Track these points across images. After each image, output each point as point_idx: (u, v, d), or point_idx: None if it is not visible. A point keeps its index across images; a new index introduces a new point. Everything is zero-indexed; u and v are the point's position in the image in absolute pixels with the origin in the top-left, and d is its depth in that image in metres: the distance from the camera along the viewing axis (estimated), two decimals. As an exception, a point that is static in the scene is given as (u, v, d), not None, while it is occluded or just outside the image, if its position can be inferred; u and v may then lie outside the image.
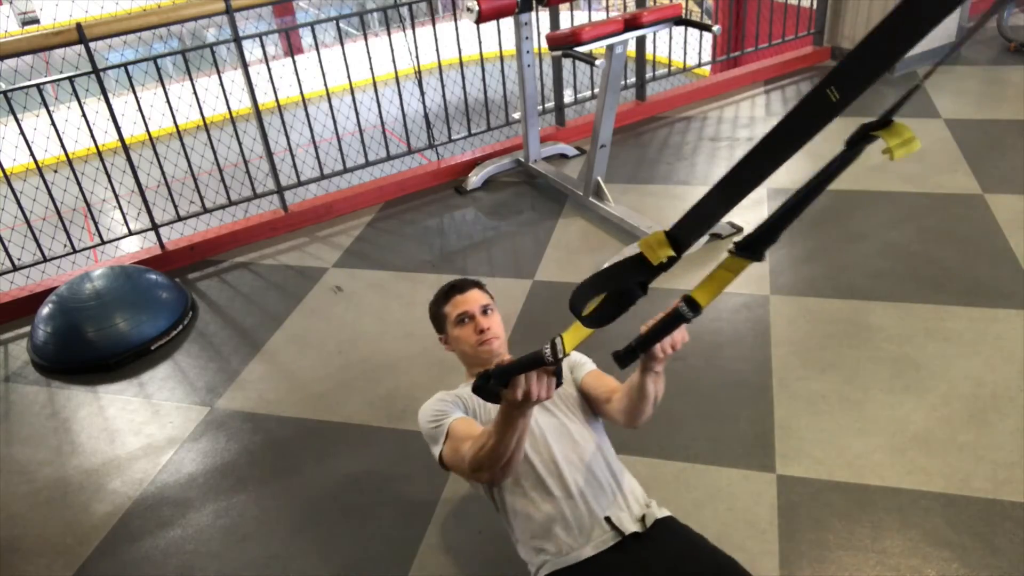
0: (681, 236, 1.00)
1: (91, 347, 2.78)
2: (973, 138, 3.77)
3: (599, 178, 3.38)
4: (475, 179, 3.86)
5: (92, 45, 2.96)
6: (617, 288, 1.08)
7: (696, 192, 3.68)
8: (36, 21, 13.78)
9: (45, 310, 2.90)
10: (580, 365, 1.73)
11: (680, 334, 1.31)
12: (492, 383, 1.19)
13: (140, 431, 2.48)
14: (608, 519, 1.47)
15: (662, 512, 1.52)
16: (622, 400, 1.55)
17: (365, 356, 2.72)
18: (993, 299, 2.62)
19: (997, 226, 3.03)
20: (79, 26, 2.88)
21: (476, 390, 1.21)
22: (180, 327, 2.95)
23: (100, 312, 2.84)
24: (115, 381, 2.73)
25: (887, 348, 2.45)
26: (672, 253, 1.01)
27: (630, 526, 1.46)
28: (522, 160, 3.90)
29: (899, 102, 0.84)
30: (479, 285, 1.78)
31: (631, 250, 1.01)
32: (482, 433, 1.41)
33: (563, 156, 4.13)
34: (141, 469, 2.32)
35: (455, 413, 1.60)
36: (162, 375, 2.74)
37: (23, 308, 3.13)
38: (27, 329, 2.99)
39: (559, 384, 1.20)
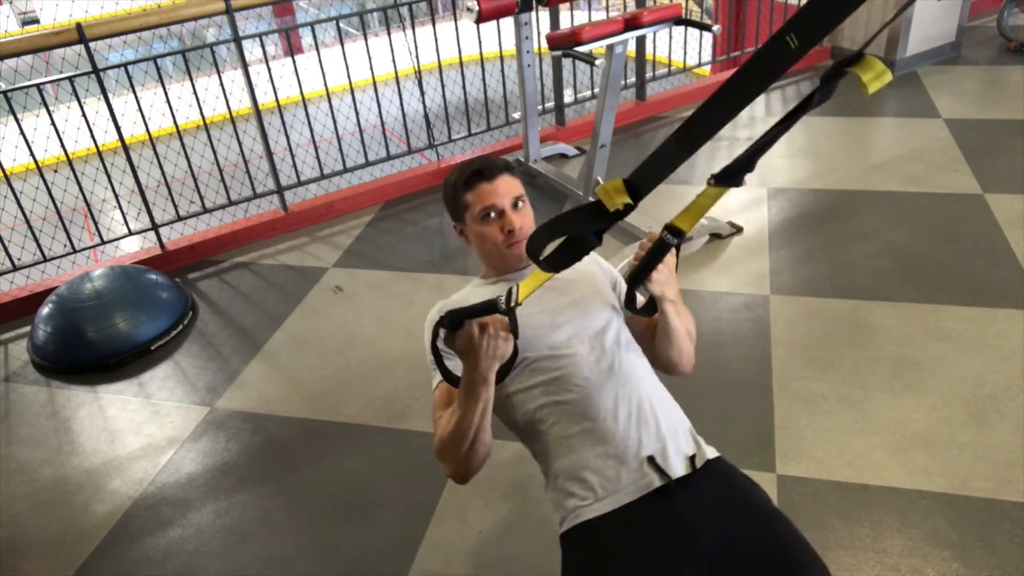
0: (639, 182, 1.00)
1: (91, 347, 2.78)
2: (973, 138, 3.77)
3: (599, 178, 3.38)
4: (475, 179, 3.85)
5: (92, 45, 2.96)
6: (573, 233, 1.08)
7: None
8: (36, 21, 13.78)
9: (45, 310, 2.90)
10: (623, 286, 1.50)
11: (671, 258, 1.28)
12: (444, 328, 1.16)
13: (140, 431, 2.48)
14: (651, 458, 1.28)
15: (712, 452, 1.35)
16: (662, 344, 1.44)
17: (365, 356, 2.72)
18: (993, 299, 2.62)
19: (997, 226, 3.02)
20: (79, 26, 2.88)
21: (433, 351, 1.19)
22: (180, 327, 2.95)
23: (100, 312, 2.84)
24: (115, 381, 2.73)
25: (887, 348, 2.45)
26: (629, 200, 1.01)
27: (678, 468, 1.28)
28: (522, 160, 3.90)
29: (873, 36, 0.89)
30: (510, 169, 1.49)
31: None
32: (448, 411, 1.31)
33: (563, 156, 4.13)
34: (141, 469, 2.32)
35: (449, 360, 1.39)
36: (162, 375, 2.74)
37: (23, 308, 3.13)
38: (27, 329, 2.99)
39: (515, 334, 1.16)
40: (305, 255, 3.45)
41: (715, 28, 3.20)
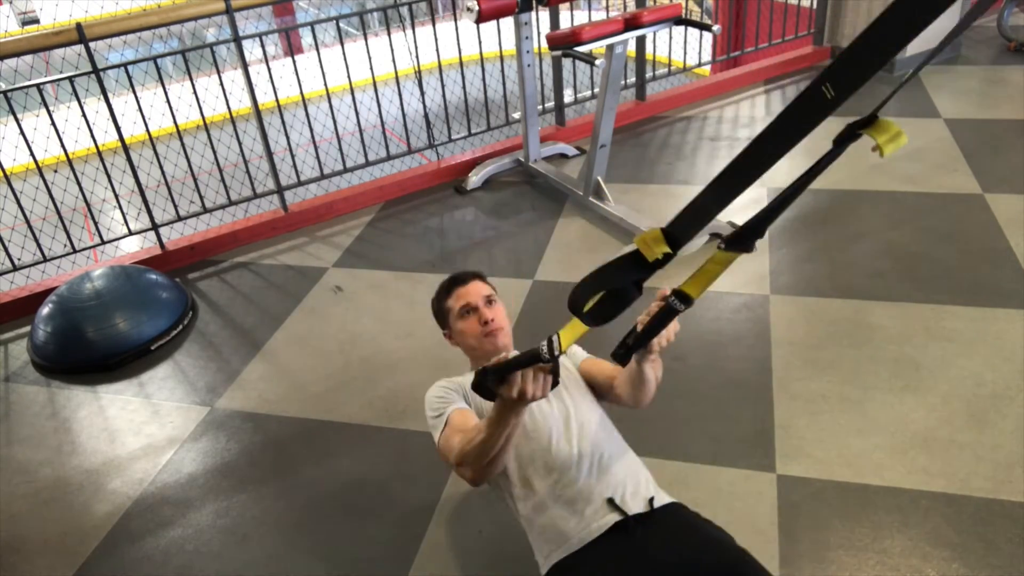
0: (677, 233, 1.01)
1: (91, 347, 2.78)
2: (973, 138, 3.77)
3: (599, 178, 3.38)
4: (475, 179, 3.86)
5: (92, 45, 2.96)
6: (614, 286, 1.08)
7: (696, 191, 3.67)
8: (36, 21, 13.78)
9: (45, 310, 2.90)
10: (574, 350, 1.76)
11: (674, 326, 1.32)
12: (489, 380, 1.19)
13: (140, 431, 2.48)
14: (611, 500, 1.44)
15: (668, 498, 1.49)
16: (624, 387, 1.57)
17: (365, 356, 2.72)
18: (993, 299, 2.62)
19: (997, 226, 3.02)
20: (79, 26, 2.88)
21: (475, 387, 1.22)
22: (180, 327, 2.95)
23: (100, 312, 2.84)
24: (115, 381, 2.73)
25: (887, 348, 2.45)
26: (668, 250, 1.01)
27: (634, 507, 1.43)
28: (522, 160, 3.90)
29: (886, 99, 0.87)
30: (480, 276, 1.77)
31: (628, 248, 1.02)
32: (474, 427, 1.41)
33: (563, 156, 4.13)
34: (141, 469, 2.32)
35: (457, 403, 1.59)
36: (162, 375, 2.74)
37: (23, 308, 3.13)
38: (27, 329, 2.99)
39: (555, 383, 1.19)
40: (305, 255, 3.45)
41: (715, 28, 3.20)
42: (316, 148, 3.80)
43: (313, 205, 3.73)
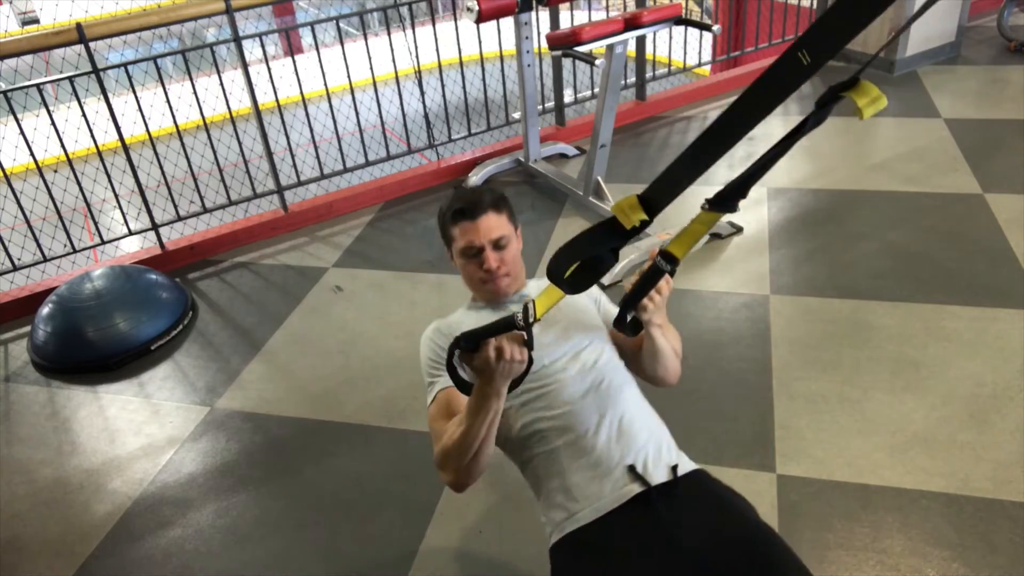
0: (653, 200, 1.02)
1: (91, 347, 2.78)
2: (973, 138, 3.77)
3: (599, 178, 3.38)
4: (475, 179, 3.86)
5: (92, 45, 2.96)
6: (592, 254, 1.09)
7: (696, 191, 3.67)
8: (36, 21, 13.77)
9: (45, 310, 2.90)
10: (609, 308, 1.59)
11: (665, 287, 1.30)
12: (460, 350, 1.16)
13: (140, 431, 2.48)
14: (632, 467, 1.31)
15: (692, 464, 1.39)
16: (645, 358, 1.49)
17: (365, 356, 2.72)
18: (993, 299, 2.62)
19: (997, 226, 3.02)
20: (79, 26, 2.88)
21: (448, 368, 1.19)
22: (180, 327, 2.95)
23: (100, 312, 2.84)
24: (115, 381, 2.73)
25: (887, 348, 2.45)
26: (644, 217, 1.03)
27: (658, 476, 1.31)
28: (522, 160, 3.90)
29: (867, 62, 0.88)
30: (495, 207, 1.50)
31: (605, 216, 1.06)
32: (455, 420, 1.32)
33: (563, 156, 4.13)
34: (141, 469, 2.32)
35: (440, 374, 1.45)
36: (162, 375, 2.74)
37: (23, 308, 3.13)
38: (27, 329, 2.99)
39: (530, 349, 1.17)
40: (305, 255, 3.45)
41: (715, 28, 3.20)
42: (316, 148, 3.80)
43: (313, 205, 3.73)
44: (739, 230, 3.15)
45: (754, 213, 3.28)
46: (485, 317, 1.27)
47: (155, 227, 3.44)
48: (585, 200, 3.45)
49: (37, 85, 3.03)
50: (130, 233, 3.54)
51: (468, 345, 1.15)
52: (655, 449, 1.36)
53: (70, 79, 3.05)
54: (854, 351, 2.45)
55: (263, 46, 3.65)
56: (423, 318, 2.91)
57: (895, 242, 3.01)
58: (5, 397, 2.71)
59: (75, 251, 3.32)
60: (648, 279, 1.23)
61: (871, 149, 3.85)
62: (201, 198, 3.56)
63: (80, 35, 2.87)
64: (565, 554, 1.32)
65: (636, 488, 1.29)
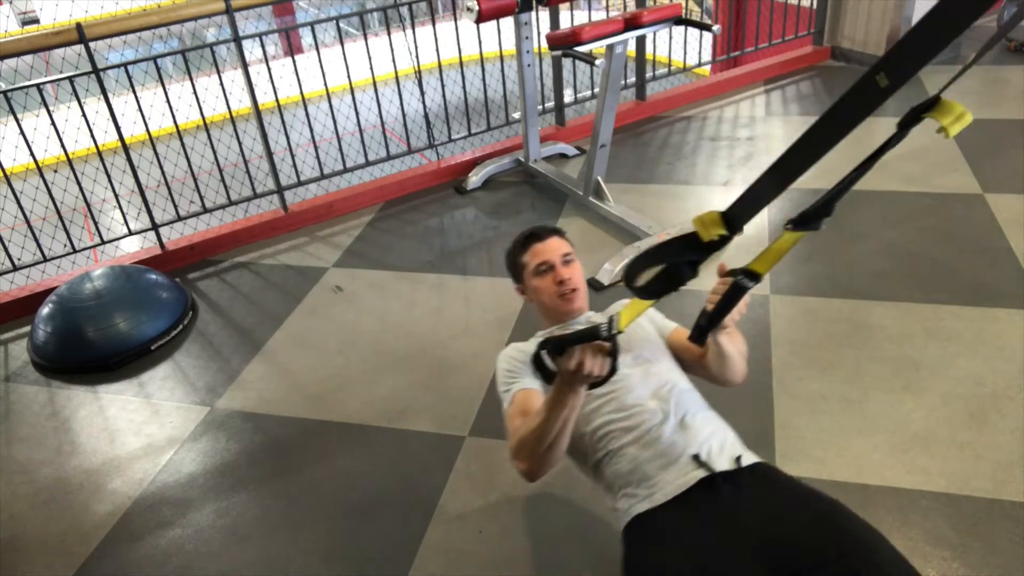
0: (734, 216, 1.05)
1: (91, 347, 2.78)
2: (973, 138, 3.76)
3: (599, 178, 3.38)
4: (475, 179, 3.86)
5: (92, 45, 2.95)
6: (669, 263, 1.13)
7: (696, 191, 3.69)
8: (36, 21, 13.77)
9: (45, 310, 2.90)
10: (664, 323, 1.73)
11: (743, 301, 1.33)
12: (547, 351, 1.20)
13: (140, 431, 2.48)
14: (696, 456, 1.40)
15: (756, 458, 1.45)
16: (713, 360, 1.55)
17: (365, 356, 2.72)
18: (993, 299, 2.62)
19: (997, 226, 3.02)
20: (79, 26, 2.88)
21: (534, 360, 1.23)
22: (180, 327, 2.95)
23: (100, 312, 2.84)
24: (115, 381, 2.73)
25: (887, 348, 2.45)
26: (724, 232, 1.06)
27: (720, 464, 1.39)
28: (522, 160, 3.90)
29: (949, 82, 0.91)
30: (559, 232, 1.73)
31: (686, 229, 1.09)
32: (532, 415, 1.39)
33: (563, 156, 4.13)
34: (141, 469, 2.32)
35: (523, 378, 1.56)
36: (162, 375, 2.74)
37: (23, 308, 3.13)
38: (27, 329, 2.99)
39: (614, 365, 1.19)
40: (305, 255, 3.45)
41: (715, 28, 3.20)
42: (316, 148, 3.80)
43: (313, 205, 3.73)
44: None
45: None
46: None
47: (155, 227, 3.44)
48: (585, 200, 3.45)
49: (37, 85, 3.03)
50: (130, 233, 3.54)
51: (555, 350, 1.19)
52: (719, 442, 1.45)
53: (70, 79, 3.04)
54: (854, 351, 2.45)
55: (263, 46, 3.65)
56: (423, 318, 2.92)
57: (895, 242, 3.01)
58: (5, 397, 2.71)
59: (75, 251, 3.32)
60: (732, 297, 1.26)
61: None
62: (201, 198, 3.56)
63: (80, 35, 2.87)
64: (637, 533, 1.39)
65: (700, 473, 1.37)
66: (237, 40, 3.25)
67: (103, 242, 3.46)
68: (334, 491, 2.17)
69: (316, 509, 2.11)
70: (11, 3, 14.30)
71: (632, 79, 4.50)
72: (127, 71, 3.14)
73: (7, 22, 13.04)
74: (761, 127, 4.22)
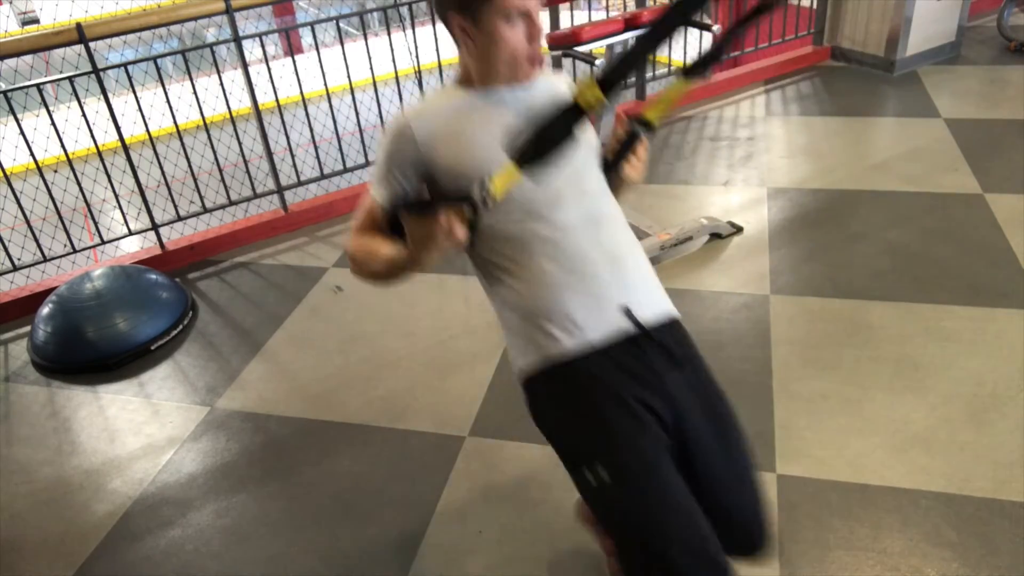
0: (607, 81, 1.14)
1: (91, 347, 2.78)
2: (973, 138, 3.77)
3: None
4: (475, 179, 3.85)
5: (92, 45, 2.96)
6: (551, 131, 1.17)
7: (696, 191, 3.69)
8: (36, 21, 13.76)
9: (45, 310, 2.90)
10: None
11: (642, 152, 1.38)
12: (409, 210, 1.17)
13: (140, 431, 2.48)
14: (627, 309, 1.29)
15: (675, 312, 1.38)
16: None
17: (365, 356, 2.72)
18: (993, 299, 2.62)
19: (997, 226, 3.02)
20: (79, 26, 2.88)
21: (388, 218, 1.26)
22: (180, 327, 2.95)
23: (100, 312, 2.84)
24: (115, 381, 2.73)
25: (887, 348, 2.45)
26: (601, 96, 1.14)
27: (647, 317, 1.30)
28: (522, 160, 3.89)
29: None
30: None
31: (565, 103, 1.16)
32: (374, 241, 1.31)
33: (563, 156, 4.12)
34: (141, 469, 2.32)
35: (387, 183, 1.34)
36: (162, 375, 2.74)
37: (23, 308, 3.13)
38: (27, 329, 2.99)
39: (473, 235, 1.19)
40: (305, 255, 3.45)
41: (715, 28, 3.19)
42: (316, 148, 3.80)
43: (313, 205, 3.73)
44: (739, 230, 3.15)
45: (754, 213, 3.28)
46: (476, 109, 1.32)
47: (155, 227, 3.44)
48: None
49: (37, 85, 3.03)
50: (130, 233, 3.54)
51: (416, 211, 1.15)
52: (647, 290, 1.36)
53: (70, 79, 3.05)
54: (854, 351, 2.45)
55: (263, 46, 3.65)
56: (423, 318, 2.92)
57: (895, 242, 3.01)
58: (5, 397, 2.71)
59: (75, 251, 3.32)
60: (626, 144, 1.33)
61: (871, 149, 3.85)
62: (201, 198, 3.56)
63: (80, 35, 2.87)
64: (549, 380, 1.30)
65: (631, 329, 1.29)
66: (237, 40, 3.25)
67: (103, 242, 3.46)
68: (334, 491, 2.17)
69: (316, 509, 2.11)
70: (11, 3, 14.30)
71: (632, 79, 4.49)
72: (127, 71, 3.14)
73: (7, 22, 13.04)
74: (761, 127, 4.22)
